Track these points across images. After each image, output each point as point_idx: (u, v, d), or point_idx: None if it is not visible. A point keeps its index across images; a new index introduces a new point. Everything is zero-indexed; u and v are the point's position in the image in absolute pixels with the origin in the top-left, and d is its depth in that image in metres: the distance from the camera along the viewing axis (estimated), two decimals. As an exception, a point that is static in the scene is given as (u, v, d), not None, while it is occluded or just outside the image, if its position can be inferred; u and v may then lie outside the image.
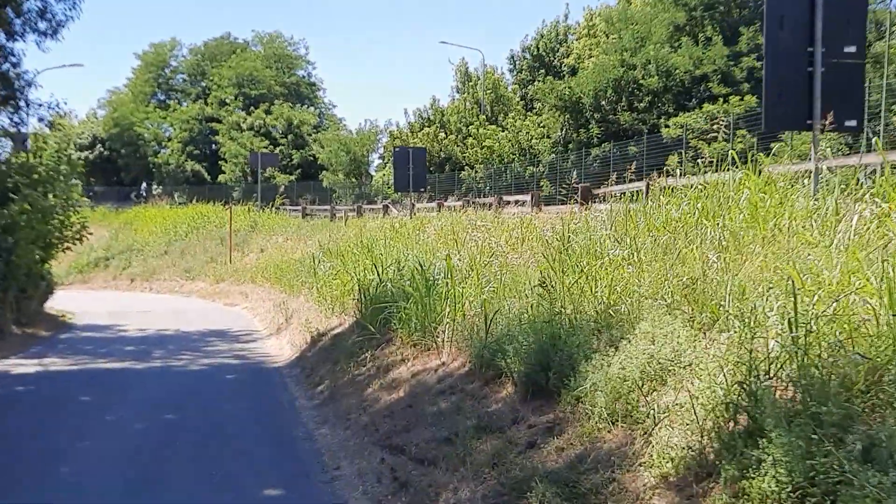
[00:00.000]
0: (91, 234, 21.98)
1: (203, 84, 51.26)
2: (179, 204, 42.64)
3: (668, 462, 4.17)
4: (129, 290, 33.66)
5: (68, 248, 20.48)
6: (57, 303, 23.43)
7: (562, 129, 34.93)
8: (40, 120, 19.85)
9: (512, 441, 5.47)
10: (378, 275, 11.51)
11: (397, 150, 21.92)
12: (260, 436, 8.13)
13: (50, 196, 19.56)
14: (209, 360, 13.48)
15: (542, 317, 6.75)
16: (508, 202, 19.57)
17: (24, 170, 18.71)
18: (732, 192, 7.69)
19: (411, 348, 9.22)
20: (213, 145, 48.58)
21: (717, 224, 7.03)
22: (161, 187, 47.44)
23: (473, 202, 20.27)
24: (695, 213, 7.58)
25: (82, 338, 17.12)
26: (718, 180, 8.11)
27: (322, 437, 7.89)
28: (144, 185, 49.58)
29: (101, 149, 49.17)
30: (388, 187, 41.83)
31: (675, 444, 4.21)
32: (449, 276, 8.76)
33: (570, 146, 34.60)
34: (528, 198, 17.97)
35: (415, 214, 21.77)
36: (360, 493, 5.99)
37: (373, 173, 44.56)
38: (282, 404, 9.80)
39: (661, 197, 8.50)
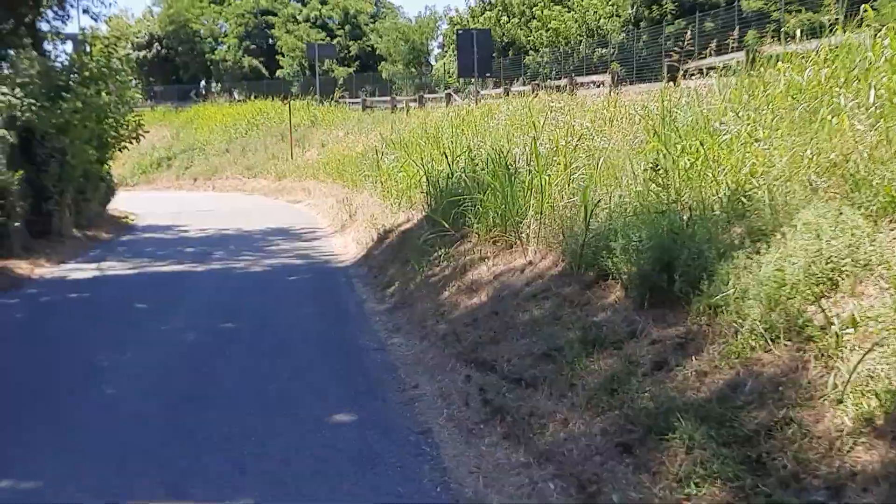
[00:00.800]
0: (147, 132, 21.21)
1: (257, -24, 49.59)
2: (238, 101, 41.67)
3: (871, 398, 3.06)
4: (192, 189, 33.14)
5: (125, 148, 19.71)
6: (120, 204, 22.97)
7: (632, 7, 32.74)
8: (85, 12, 18.56)
9: (633, 360, 4.40)
10: (449, 165, 10.37)
11: (461, 32, 20.45)
12: (325, 345, 7.22)
13: (103, 94, 18.72)
14: (271, 261, 12.64)
15: (655, 207, 5.59)
16: (582, 83, 18.08)
17: (74, 67, 17.84)
18: (870, 54, 6.31)
19: (490, 245, 8.16)
20: (270, 39, 47.14)
21: (856, 90, 5.71)
22: (219, 85, 46.46)
23: (542, 86, 18.81)
24: (823, 80, 6.23)
25: (143, 239, 16.47)
26: (846, 42, 6.71)
27: (395, 347, 6.93)
28: (203, 82, 48.65)
29: (159, 47, 48.17)
30: (450, 76, 40.25)
31: (880, 374, 3.08)
32: (535, 161, 7.54)
33: (642, 24, 32.46)
34: (605, 77, 16.47)
35: (480, 102, 20.42)
36: (445, 418, 5.00)
37: (433, 62, 42.85)
38: (349, 309, 8.87)
39: (769, 66, 7.13)
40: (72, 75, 17.40)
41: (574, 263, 6.12)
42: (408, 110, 26.78)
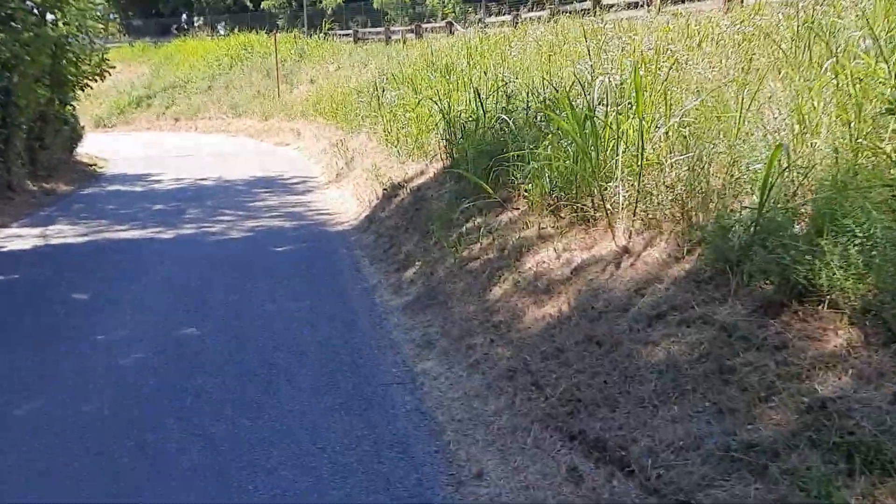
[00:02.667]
0: (113, 67, 18.54)
1: None
2: (222, 36, 38.56)
3: None
4: (172, 130, 30.42)
5: (87, 86, 17.02)
6: (92, 148, 20.45)
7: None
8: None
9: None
10: (480, 104, 7.90)
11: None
12: (324, 374, 4.87)
13: (59, 24, 16.03)
14: (254, 223, 10.23)
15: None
16: (611, 5, 15.49)
17: (21, -9, 15.11)
18: None
19: (550, 217, 5.79)
20: (254, -31, 43.82)
21: None
22: (202, 18, 43.22)
23: (559, 12, 16.18)
24: None
25: (107, 193, 13.98)
26: None
27: (431, 381, 4.57)
28: (185, 16, 45.33)
29: (136, -22, 44.79)
30: (446, 7, 37.26)
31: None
32: (636, 97, 5.03)
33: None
34: (640, -2, 13.90)
35: (486, 30, 17.79)
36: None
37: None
38: (354, 303, 6.47)
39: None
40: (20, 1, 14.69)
41: (722, 263, 3.76)
42: (404, 42, 24.08)
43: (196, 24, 42.61)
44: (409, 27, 27.05)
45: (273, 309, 6.29)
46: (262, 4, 41.81)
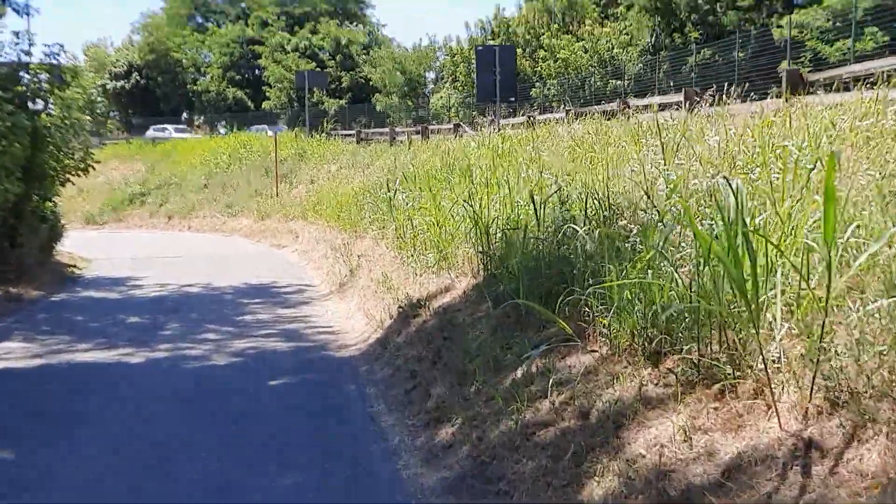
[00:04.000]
0: (98, 162, 16.98)
1: (243, 4, 45.55)
2: (223, 135, 37.53)
3: None
4: (166, 228, 28.95)
5: (68, 181, 15.46)
6: (76, 246, 18.88)
7: (651, 35, 29.10)
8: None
9: None
10: (535, 211, 6.25)
11: (481, 49, 16.61)
12: None
13: (42, 116, 14.62)
14: (243, 344, 8.49)
15: None
16: (637, 106, 14.18)
17: (4, 80, 13.73)
18: None
19: (649, 369, 4.10)
20: (256, 70, 43.08)
21: None
22: (202, 117, 42.39)
23: (579, 114, 14.88)
24: None
25: (79, 300, 12.26)
26: None
27: None
28: (185, 115, 44.54)
29: (138, 77, 44.02)
30: (448, 111, 36.40)
31: None
32: (825, 203, 3.32)
33: (662, 54, 28.77)
34: (678, 97, 12.57)
35: (501, 131, 16.48)
36: None
37: (429, 96, 38.97)
38: (375, 483, 4.63)
39: None
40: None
41: None
42: (410, 143, 22.85)
43: (196, 123, 41.70)
44: (414, 128, 25.93)
45: (263, 486, 4.49)
46: (264, 104, 41.00)
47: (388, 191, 11.74)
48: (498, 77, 16.30)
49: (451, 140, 19.69)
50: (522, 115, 20.28)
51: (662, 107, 13.54)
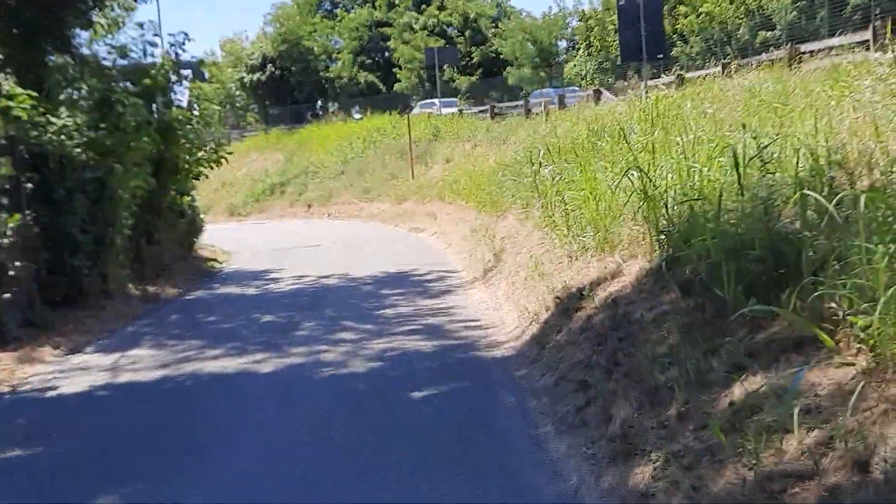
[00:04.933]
0: (230, 153, 16.56)
1: (370, -13, 45.17)
2: (358, 119, 37.17)
3: None
4: (305, 217, 28.78)
5: (202, 175, 15.07)
6: (219, 239, 18.76)
7: (807, -23, 26.50)
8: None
9: None
10: (738, 175, 4.89)
11: (623, 4, 15.01)
12: None
13: (173, 109, 14.24)
14: (383, 344, 7.55)
15: None
16: (811, 52, 12.35)
17: (130, 74, 13.35)
18: None
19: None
20: (386, 52, 42.59)
21: None
22: (335, 103, 42.31)
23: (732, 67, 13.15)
24: None
25: (215, 297, 11.76)
26: None
27: None
28: (319, 102, 44.61)
29: (272, 68, 44.31)
30: (582, 78, 34.72)
31: None
32: None
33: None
34: (860, 35, 10.75)
35: (648, 93, 14.95)
36: None
37: (562, 64, 37.33)
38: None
39: None
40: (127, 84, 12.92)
41: None
42: (546, 114, 21.52)
43: (331, 110, 41.66)
44: (549, 98, 24.52)
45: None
46: (395, 86, 40.45)
47: (532, 164, 10.52)
48: (644, 33, 14.72)
49: (592, 107, 18.28)
50: (669, 74, 18.60)
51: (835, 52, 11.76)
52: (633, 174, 6.87)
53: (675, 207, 5.87)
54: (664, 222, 5.92)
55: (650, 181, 6.35)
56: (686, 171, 6.26)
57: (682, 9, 30.25)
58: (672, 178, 6.46)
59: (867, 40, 10.39)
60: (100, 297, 10.70)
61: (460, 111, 27.42)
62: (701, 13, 29.20)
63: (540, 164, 10.34)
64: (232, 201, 33.94)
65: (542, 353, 6.37)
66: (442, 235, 16.39)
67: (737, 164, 4.69)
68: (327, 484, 4.32)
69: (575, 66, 35.59)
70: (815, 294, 3.75)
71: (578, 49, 35.25)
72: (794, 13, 26.62)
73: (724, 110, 8.70)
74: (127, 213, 11.76)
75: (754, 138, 4.96)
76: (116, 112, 11.83)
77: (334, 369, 6.77)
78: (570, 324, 6.35)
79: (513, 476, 4.21)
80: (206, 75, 49.65)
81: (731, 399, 3.73)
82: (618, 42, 31.95)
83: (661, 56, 15.96)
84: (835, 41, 11.90)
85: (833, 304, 3.62)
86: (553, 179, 9.70)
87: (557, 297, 6.99)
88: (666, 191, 6.13)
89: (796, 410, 3.17)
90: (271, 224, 27.48)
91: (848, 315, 3.48)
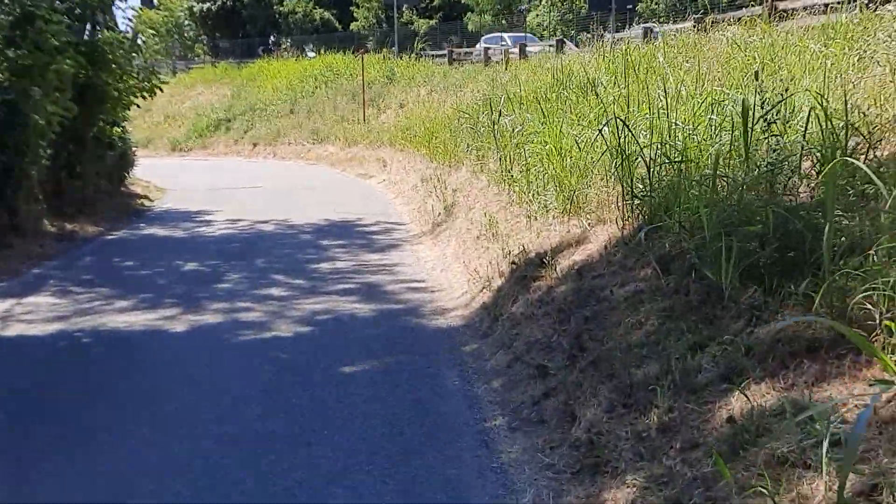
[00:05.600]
0: (166, 83, 15.34)
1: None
2: (311, 57, 35.61)
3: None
4: (250, 155, 27.52)
5: (132, 104, 13.86)
6: (155, 175, 17.63)
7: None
8: None
9: None
10: (745, 133, 4.11)
11: (595, -53, 14.04)
12: None
13: (104, 31, 12.98)
14: (315, 304, 6.71)
15: None
16: (789, 10, 11.61)
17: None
18: None
19: None
20: (344, -11, 40.97)
21: None
22: (289, 40, 40.56)
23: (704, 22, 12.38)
24: None
25: (139, 239, 10.73)
26: None
27: None
28: (272, 37, 42.78)
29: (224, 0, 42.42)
30: (544, 28, 33.72)
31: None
32: None
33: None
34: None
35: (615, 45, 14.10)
36: None
37: (524, 13, 36.16)
38: None
39: None
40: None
41: None
42: (507, 62, 20.56)
43: (283, 46, 39.96)
44: (511, 46, 23.51)
45: None
46: (351, 25, 38.90)
47: (490, 111, 9.65)
48: (614, -19, 13.84)
49: (554, 58, 17.41)
50: (635, 27, 17.75)
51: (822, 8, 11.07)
52: (605, 130, 6.09)
53: (655, 170, 5.10)
54: (641, 186, 5.15)
55: (630, 136, 5.56)
56: (667, 130, 5.47)
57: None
58: (649, 136, 5.69)
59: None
60: (7, 233, 9.63)
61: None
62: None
63: (500, 112, 9.47)
64: (174, 135, 32.39)
65: (494, 327, 5.59)
66: (391, 184, 15.49)
67: (745, 120, 3.89)
68: (224, 485, 3.51)
69: (538, 16, 34.52)
70: (835, 285, 3.02)
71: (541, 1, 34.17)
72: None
73: (703, 66, 7.94)
74: (44, 142, 10.63)
75: (760, 94, 4.16)
76: (38, 29, 10.62)
77: (255, 332, 5.92)
78: (528, 294, 5.57)
79: (453, 489, 3.44)
80: (155, 2, 47.33)
81: (730, 413, 2.99)
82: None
83: (631, 6, 15.13)
84: (819, -1, 11.16)
85: (866, 304, 2.89)
86: (513, 130, 8.87)
87: (513, 263, 6.21)
88: (642, 150, 5.34)
89: (825, 444, 2.43)
90: (213, 161, 26.18)
91: (887, 318, 2.75)
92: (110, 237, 10.73)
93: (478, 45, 23.88)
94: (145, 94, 13.72)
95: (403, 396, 4.56)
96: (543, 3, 33.46)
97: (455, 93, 19.82)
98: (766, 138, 4.13)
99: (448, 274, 7.70)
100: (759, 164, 3.93)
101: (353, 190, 15.82)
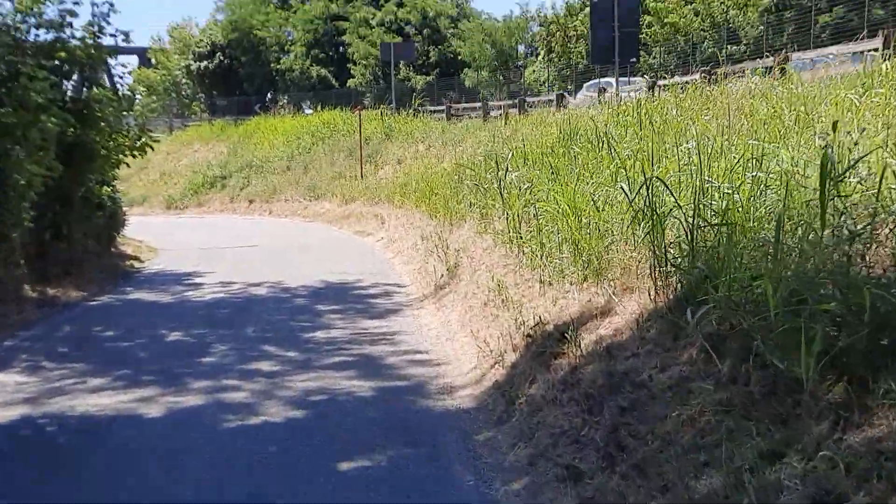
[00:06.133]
0: (157, 140, 14.81)
1: (327, -21, 43.15)
2: (308, 114, 35.34)
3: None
4: (246, 213, 27.02)
5: (122, 162, 13.30)
6: (148, 234, 17.13)
7: (777, -8, 25.57)
8: None
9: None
10: (822, 190, 3.49)
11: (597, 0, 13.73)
12: None
13: (95, 88, 12.47)
14: (309, 381, 6.02)
15: None
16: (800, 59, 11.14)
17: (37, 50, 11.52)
18: None
19: None
20: (340, 47, 40.70)
21: None
22: (286, 96, 40.40)
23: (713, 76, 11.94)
24: None
25: (123, 305, 10.07)
26: None
27: None
28: (269, 94, 42.61)
29: (221, 57, 42.14)
30: (541, 84, 33.52)
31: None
32: None
33: (787, 13, 25.28)
34: (870, 43, 9.55)
35: (618, 98, 13.67)
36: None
37: (521, 69, 36.01)
38: None
39: None
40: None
41: None
42: (506, 118, 20.18)
43: (279, 103, 39.75)
44: (510, 101, 23.16)
45: None
46: (349, 82, 38.73)
47: (498, 169, 9.07)
48: (616, 33, 13.43)
49: (555, 113, 17.00)
50: (653, 77, 17.38)
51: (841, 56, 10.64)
52: (622, 186, 5.52)
53: (687, 234, 4.48)
54: (677, 250, 4.53)
55: (656, 195, 4.96)
56: (700, 188, 4.87)
57: (647, 18, 29.17)
58: (678, 195, 5.08)
59: (876, 48, 9.20)
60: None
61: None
62: (666, 24, 28.14)
63: (507, 169, 8.90)
64: (170, 193, 31.95)
65: (510, 411, 4.91)
66: (390, 242, 14.88)
67: (823, 179, 3.28)
68: None
69: (534, 71, 34.34)
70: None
71: (539, 55, 33.99)
72: (761, 28, 25.72)
73: (722, 118, 7.41)
74: (26, 203, 10.04)
75: (828, 148, 3.56)
76: (22, 86, 10.11)
77: (241, 418, 5.22)
78: (548, 374, 4.90)
79: None
80: (153, 60, 47.16)
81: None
82: (580, 50, 30.93)
83: (635, 60, 14.75)
84: (832, 50, 10.74)
85: None
86: (521, 188, 8.28)
87: (529, 335, 5.55)
88: (679, 208, 4.73)
89: None
90: (208, 219, 25.67)
91: None
92: (94, 303, 10.06)
93: (579, 94, 23.13)
94: (136, 152, 13.18)
95: (409, 501, 3.87)
96: (540, 58, 33.28)
97: (454, 148, 19.41)
98: (831, 199, 3.52)
99: (454, 344, 7.03)
100: (833, 230, 3.32)
101: (351, 249, 15.21)
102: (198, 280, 11.73)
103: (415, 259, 12.02)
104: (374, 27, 38.96)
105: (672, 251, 4.61)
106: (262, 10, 42.02)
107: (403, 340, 7.39)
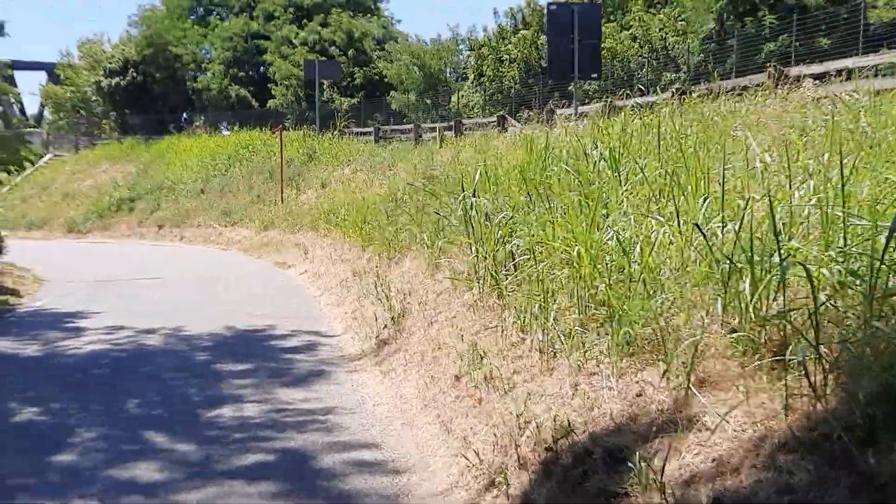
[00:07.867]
0: (37, 155, 12.36)
1: (248, -5, 40.72)
2: (226, 135, 32.82)
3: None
4: (155, 239, 24.43)
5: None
6: (37, 262, 14.68)
7: (717, 20, 24.48)
8: None
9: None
10: None
11: (554, 7, 11.99)
12: None
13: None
14: (204, 508, 3.89)
15: None
16: (798, 77, 9.61)
17: None
18: None
19: None
20: (261, 67, 38.29)
21: None
22: (203, 116, 37.70)
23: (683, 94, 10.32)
24: None
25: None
26: None
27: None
28: (186, 114, 39.80)
29: (134, 74, 39.16)
30: (471, 109, 31.81)
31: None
32: None
33: (730, 42, 24.20)
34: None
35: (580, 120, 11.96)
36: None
37: (450, 93, 34.28)
38: None
39: None
40: None
41: None
42: (441, 141, 18.36)
43: (196, 123, 37.06)
44: (445, 124, 21.31)
45: None
46: (269, 103, 36.32)
47: (463, 193, 7.05)
48: (576, 46, 11.72)
49: (497, 136, 15.22)
50: (608, 99, 15.77)
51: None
52: (696, 224, 3.64)
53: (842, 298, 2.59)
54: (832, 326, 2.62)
55: (738, 236, 3.06)
56: (828, 224, 2.99)
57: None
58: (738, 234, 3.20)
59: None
60: None
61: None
62: (602, 48, 26.81)
63: (473, 191, 6.91)
64: (72, 215, 28.95)
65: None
66: (315, 276, 12.73)
67: None
68: None
69: (463, 96, 32.67)
70: None
71: (468, 79, 32.33)
72: (701, 55, 24.61)
73: (725, 139, 5.65)
74: None
75: None
76: None
77: None
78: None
79: None
80: (62, 76, 43.72)
81: None
82: (513, 74, 29.44)
83: (596, 76, 13.09)
84: (849, 62, 9.23)
85: None
86: (493, 219, 6.31)
87: (549, 448, 3.55)
88: (786, 257, 2.83)
89: None
90: (112, 246, 22.99)
91: None
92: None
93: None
94: (11, 167, 10.76)
95: None
96: (469, 82, 31.63)
97: (383, 172, 17.51)
98: None
99: (415, 434, 4.98)
100: None
101: (269, 283, 12.99)
102: (80, 323, 9.38)
103: (346, 300, 9.94)
104: (296, 46, 36.69)
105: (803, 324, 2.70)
106: (178, 25, 39.33)
107: (341, 424, 5.29)
